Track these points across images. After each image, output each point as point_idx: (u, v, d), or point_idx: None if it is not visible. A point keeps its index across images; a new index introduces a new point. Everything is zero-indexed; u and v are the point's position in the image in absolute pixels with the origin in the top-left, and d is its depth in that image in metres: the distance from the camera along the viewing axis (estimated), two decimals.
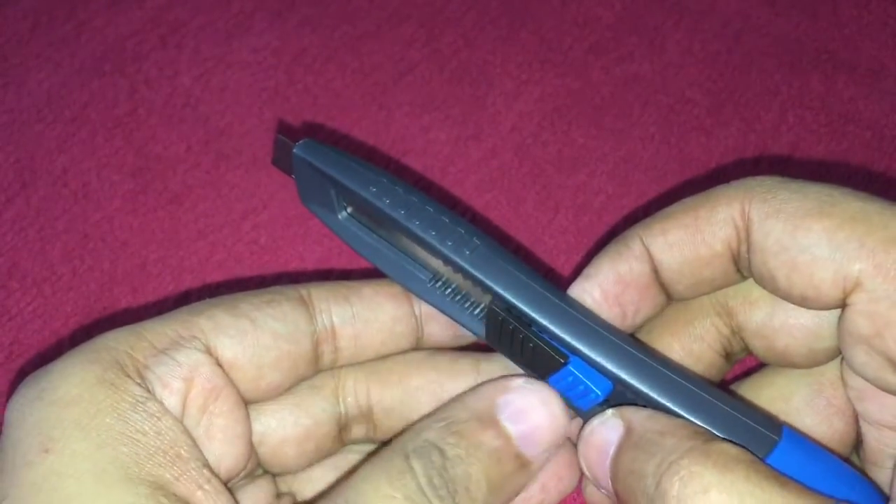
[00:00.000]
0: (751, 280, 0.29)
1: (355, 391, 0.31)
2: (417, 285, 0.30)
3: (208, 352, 0.28)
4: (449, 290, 0.30)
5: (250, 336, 0.28)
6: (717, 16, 0.54)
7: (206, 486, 0.25)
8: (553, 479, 0.30)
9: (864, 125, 0.49)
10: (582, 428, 0.27)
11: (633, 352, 0.27)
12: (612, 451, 0.26)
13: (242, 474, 0.29)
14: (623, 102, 0.50)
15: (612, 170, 0.47)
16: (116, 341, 0.27)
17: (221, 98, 0.50)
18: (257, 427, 0.30)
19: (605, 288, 0.28)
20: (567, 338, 0.27)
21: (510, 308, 0.27)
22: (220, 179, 0.47)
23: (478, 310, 0.29)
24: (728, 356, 0.31)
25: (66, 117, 0.49)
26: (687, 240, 0.28)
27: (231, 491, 0.26)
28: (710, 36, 0.53)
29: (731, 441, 0.24)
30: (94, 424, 0.24)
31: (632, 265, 0.28)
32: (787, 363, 0.29)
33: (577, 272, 0.29)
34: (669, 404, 0.26)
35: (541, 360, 0.28)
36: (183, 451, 0.25)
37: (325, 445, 0.31)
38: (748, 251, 0.27)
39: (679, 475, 0.23)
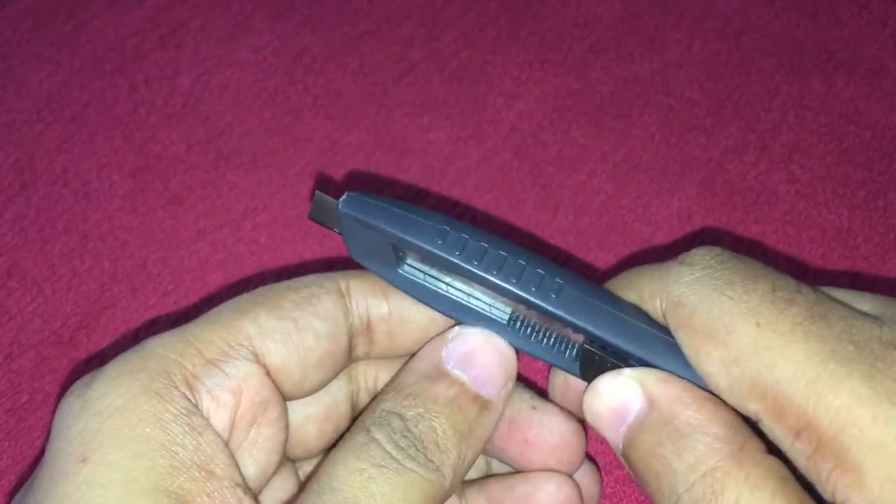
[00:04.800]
0: None
1: (365, 373, 0.32)
2: (496, 328, 0.29)
3: (256, 360, 0.27)
4: (531, 329, 0.29)
5: (294, 338, 0.28)
6: (717, 16, 0.54)
7: None
8: None
9: (864, 125, 0.49)
10: (592, 380, 0.27)
11: None
12: (630, 420, 0.26)
13: None
14: (623, 102, 0.50)
15: (612, 170, 0.47)
16: (164, 348, 0.26)
17: (221, 98, 0.50)
18: None
19: None
20: (664, 367, 0.27)
21: (606, 345, 0.27)
22: (220, 179, 0.47)
23: (563, 345, 0.29)
24: None
25: (66, 117, 0.49)
26: None
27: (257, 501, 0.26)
28: (710, 36, 0.53)
29: (763, 447, 0.24)
30: (135, 435, 0.24)
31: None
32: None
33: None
34: None
35: None
36: (218, 470, 0.25)
37: (342, 426, 0.31)
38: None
39: (712, 488, 0.23)
